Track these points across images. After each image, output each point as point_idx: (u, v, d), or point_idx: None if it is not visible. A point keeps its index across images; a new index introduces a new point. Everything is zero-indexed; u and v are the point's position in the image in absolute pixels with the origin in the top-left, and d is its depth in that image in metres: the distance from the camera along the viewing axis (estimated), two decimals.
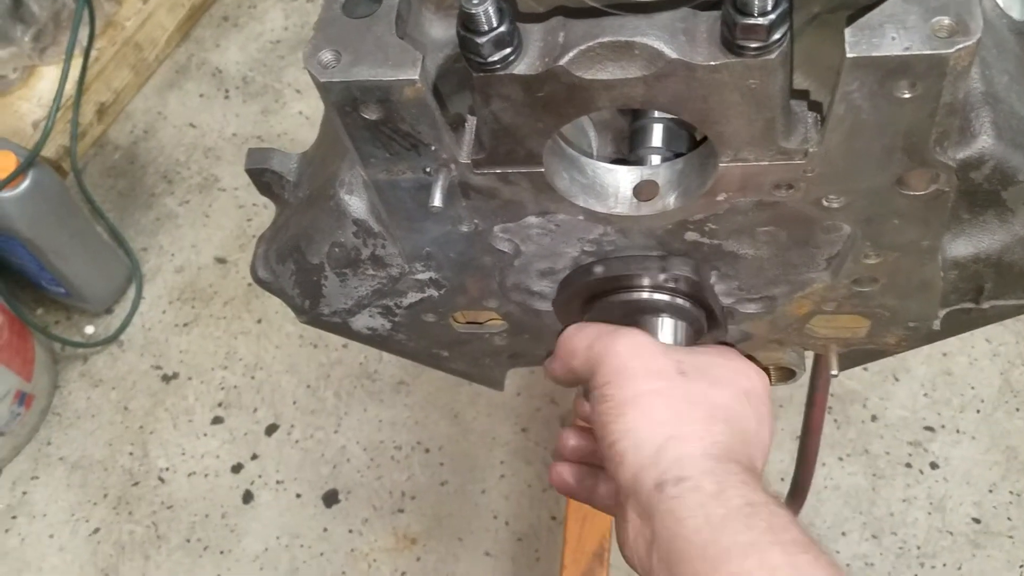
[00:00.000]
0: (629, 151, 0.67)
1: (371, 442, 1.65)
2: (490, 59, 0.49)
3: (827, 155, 0.51)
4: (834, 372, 0.70)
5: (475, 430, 1.64)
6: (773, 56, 0.46)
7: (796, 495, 1.00)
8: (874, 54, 0.45)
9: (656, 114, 0.65)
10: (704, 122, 0.51)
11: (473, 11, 0.47)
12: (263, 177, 0.70)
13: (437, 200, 0.56)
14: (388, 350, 0.79)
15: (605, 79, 0.49)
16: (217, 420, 1.70)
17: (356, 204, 0.64)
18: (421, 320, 0.73)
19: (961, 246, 0.62)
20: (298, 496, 1.62)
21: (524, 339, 0.75)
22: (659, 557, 0.53)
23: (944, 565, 1.47)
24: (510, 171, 0.56)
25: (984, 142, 0.56)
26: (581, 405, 0.78)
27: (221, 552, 1.58)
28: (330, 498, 1.61)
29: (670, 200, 0.58)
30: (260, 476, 1.64)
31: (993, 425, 1.57)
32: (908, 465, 1.55)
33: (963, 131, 0.56)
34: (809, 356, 0.78)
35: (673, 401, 0.58)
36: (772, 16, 0.44)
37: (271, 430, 1.68)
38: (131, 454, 1.68)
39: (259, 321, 1.77)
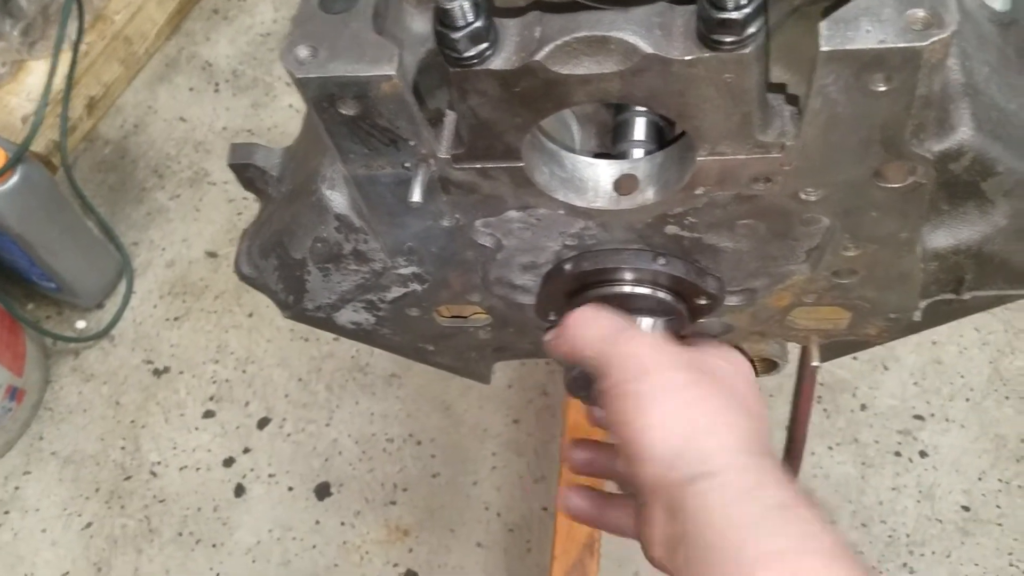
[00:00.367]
0: (612, 144, 0.67)
1: (363, 435, 1.65)
2: (466, 54, 0.49)
3: (804, 149, 0.51)
4: (816, 363, 0.70)
5: (467, 422, 1.64)
6: (748, 50, 0.46)
7: None
8: (848, 47, 0.45)
9: (639, 108, 0.65)
10: (681, 116, 0.51)
11: (448, 6, 0.47)
12: (246, 172, 0.70)
13: (416, 195, 0.56)
14: (373, 344, 0.79)
15: (581, 74, 0.49)
16: (209, 414, 1.70)
17: (338, 199, 0.64)
18: (405, 314, 0.73)
19: (941, 237, 0.63)
20: (290, 489, 1.62)
21: (509, 332, 0.75)
22: (687, 557, 0.51)
23: (933, 553, 1.48)
24: (489, 166, 0.56)
25: (963, 134, 0.56)
26: (592, 411, 0.77)
27: (213, 545, 1.59)
28: (322, 491, 1.61)
29: (649, 194, 0.58)
30: (252, 469, 1.64)
31: (982, 413, 1.57)
32: (897, 454, 1.55)
33: (942, 123, 0.56)
34: (796, 346, 0.78)
35: (697, 393, 0.56)
36: (746, 10, 0.44)
37: (263, 423, 1.68)
38: (123, 448, 1.68)
39: (250, 315, 1.77)
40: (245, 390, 1.71)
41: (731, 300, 0.67)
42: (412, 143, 0.55)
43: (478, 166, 0.56)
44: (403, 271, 0.67)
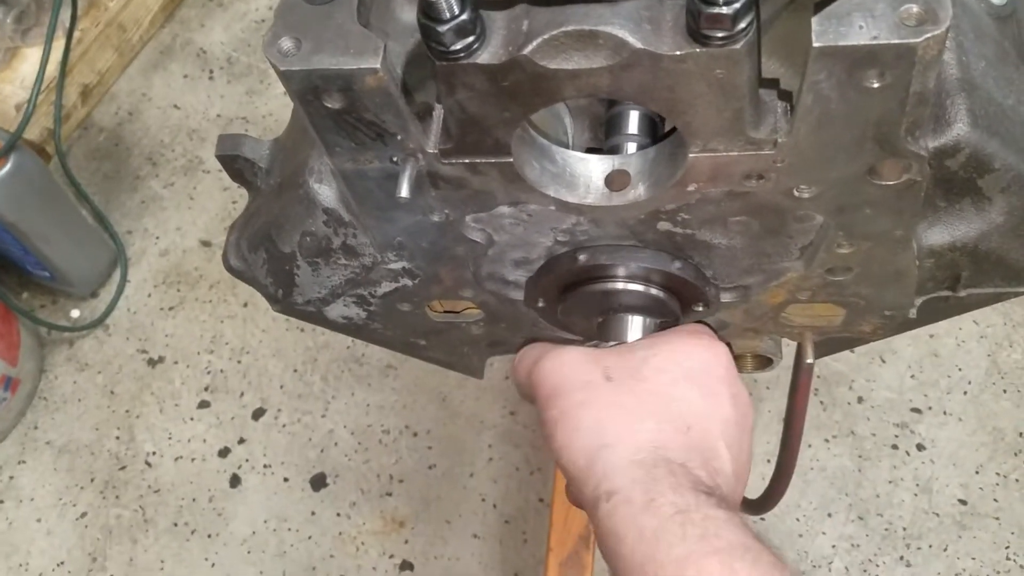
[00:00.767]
0: (605, 138, 0.66)
1: (359, 426, 1.64)
2: (452, 48, 0.48)
3: (797, 145, 0.51)
4: (810, 360, 0.69)
5: (463, 413, 1.64)
6: (739, 46, 0.45)
7: (780, 477, 1.00)
8: (841, 43, 0.44)
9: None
10: (671, 112, 0.50)
11: None
12: (235, 164, 0.70)
13: (404, 191, 0.55)
14: (365, 339, 0.78)
15: (570, 68, 0.48)
16: (204, 404, 1.69)
17: (326, 193, 0.63)
18: (396, 309, 0.72)
19: (937, 234, 0.62)
20: (286, 480, 1.62)
21: (501, 328, 0.75)
22: (616, 572, 0.53)
23: (930, 546, 1.47)
24: (478, 161, 0.55)
25: (960, 130, 0.55)
26: None
27: (209, 536, 1.59)
28: (318, 482, 1.61)
29: (641, 190, 0.57)
30: (247, 460, 1.64)
31: (980, 406, 1.57)
32: (894, 447, 1.55)
33: (938, 119, 0.55)
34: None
35: (598, 409, 0.56)
36: (736, 5, 0.44)
37: (258, 414, 1.67)
38: (118, 438, 1.68)
39: (245, 305, 1.76)
40: (240, 380, 1.70)
41: (725, 297, 0.66)
42: (399, 137, 0.54)
43: (467, 161, 0.55)
44: (393, 266, 0.67)
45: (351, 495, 1.59)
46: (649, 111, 0.63)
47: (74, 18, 1.76)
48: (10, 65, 1.84)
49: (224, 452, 1.65)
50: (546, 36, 0.47)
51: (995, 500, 1.50)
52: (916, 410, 1.57)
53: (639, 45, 0.46)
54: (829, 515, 1.50)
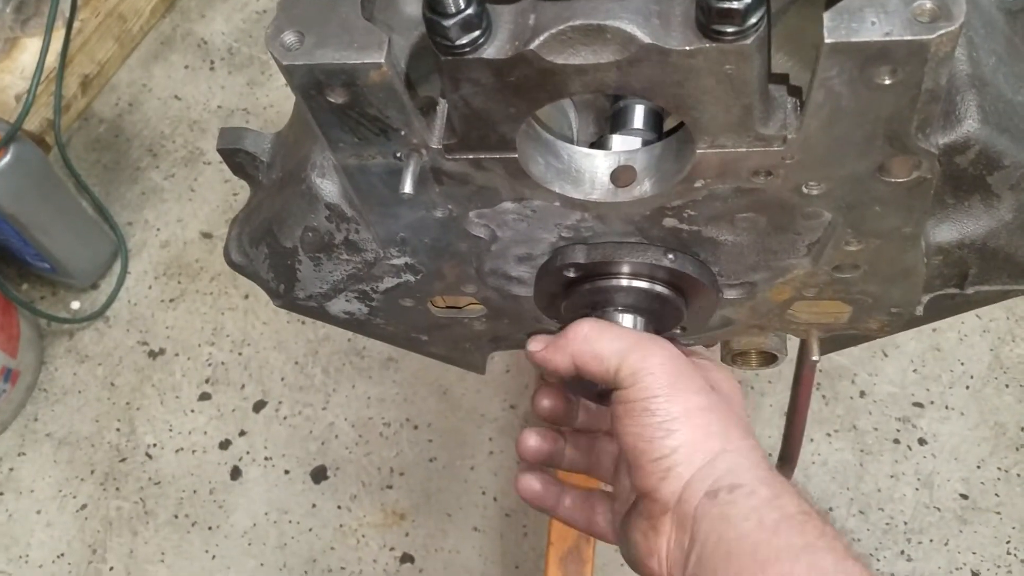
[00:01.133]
0: (610, 133, 0.65)
1: (359, 418, 1.64)
2: (458, 42, 0.47)
3: (806, 142, 0.50)
4: (815, 357, 0.69)
5: (464, 407, 1.63)
6: (749, 41, 0.45)
7: (783, 471, 1.00)
8: (853, 39, 0.43)
9: None
10: (679, 108, 0.49)
11: None
12: (236, 157, 0.69)
13: (408, 186, 0.55)
14: (366, 334, 0.78)
15: (577, 64, 0.47)
16: (204, 396, 1.69)
17: (328, 188, 0.63)
18: (399, 305, 0.72)
19: (945, 231, 0.61)
20: (286, 472, 1.61)
21: (504, 323, 0.74)
22: (698, 559, 0.55)
23: (931, 541, 1.47)
24: (483, 157, 0.55)
25: (969, 126, 0.55)
26: (539, 401, 0.75)
27: (209, 528, 1.58)
28: (318, 474, 1.61)
29: (647, 186, 0.56)
30: (248, 452, 1.63)
31: (982, 401, 1.56)
32: (896, 441, 1.54)
33: (948, 115, 0.55)
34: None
35: (720, 415, 0.59)
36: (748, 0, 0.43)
37: (259, 406, 1.67)
38: (118, 430, 1.67)
39: (246, 297, 1.76)
40: (241, 372, 1.70)
41: (731, 293, 0.65)
42: (403, 133, 0.53)
43: (471, 157, 0.55)
44: (396, 261, 0.66)
45: (352, 488, 1.59)
46: (656, 106, 0.62)
47: (74, 8, 1.75)
48: (10, 55, 1.83)
49: (225, 444, 1.65)
50: (553, 31, 0.46)
51: (996, 495, 1.50)
52: (918, 404, 1.57)
53: (648, 40, 0.46)
54: (830, 509, 1.50)
